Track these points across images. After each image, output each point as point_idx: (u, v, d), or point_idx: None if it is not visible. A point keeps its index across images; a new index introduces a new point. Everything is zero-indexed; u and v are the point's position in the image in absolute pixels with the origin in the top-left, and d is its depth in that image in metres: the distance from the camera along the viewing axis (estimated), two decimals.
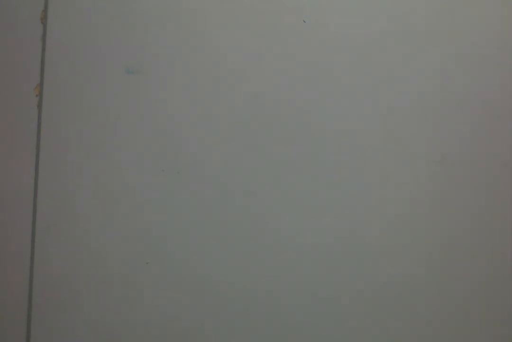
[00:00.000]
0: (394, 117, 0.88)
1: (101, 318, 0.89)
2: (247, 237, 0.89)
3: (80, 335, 0.90)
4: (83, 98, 0.90)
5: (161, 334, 0.89)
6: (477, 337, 0.87)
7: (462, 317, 0.88)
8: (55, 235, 0.90)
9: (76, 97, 0.90)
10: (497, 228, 0.88)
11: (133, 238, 0.89)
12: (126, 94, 0.89)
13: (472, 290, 0.88)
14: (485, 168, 0.88)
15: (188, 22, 0.89)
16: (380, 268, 0.88)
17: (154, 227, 0.89)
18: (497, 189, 0.88)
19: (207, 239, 0.89)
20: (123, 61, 0.89)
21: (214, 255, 0.89)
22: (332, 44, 0.89)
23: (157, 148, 0.89)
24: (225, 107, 0.89)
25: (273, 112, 0.89)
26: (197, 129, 0.89)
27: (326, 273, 0.88)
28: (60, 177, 0.90)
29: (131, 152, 0.89)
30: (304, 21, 0.88)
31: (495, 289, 0.88)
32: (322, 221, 0.88)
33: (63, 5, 0.89)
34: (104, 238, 0.89)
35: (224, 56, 0.89)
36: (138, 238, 0.89)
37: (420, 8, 0.89)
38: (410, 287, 0.88)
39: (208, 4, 0.89)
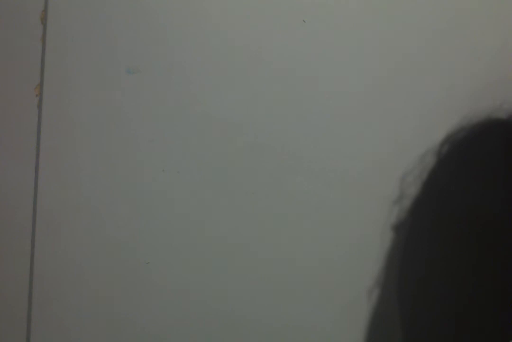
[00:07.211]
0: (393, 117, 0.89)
1: (101, 318, 0.89)
2: (248, 235, 0.89)
3: (80, 335, 0.90)
4: (83, 99, 0.90)
5: (161, 334, 0.89)
6: None
7: None
8: (55, 235, 0.90)
9: (76, 98, 0.90)
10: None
11: (133, 238, 0.89)
12: (126, 94, 0.89)
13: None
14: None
15: (189, 22, 0.89)
16: None
17: (154, 227, 0.89)
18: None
19: (207, 239, 0.89)
20: (123, 61, 0.89)
21: (214, 255, 0.89)
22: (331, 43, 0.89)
23: (157, 148, 0.89)
24: (225, 107, 0.89)
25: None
26: (197, 129, 0.89)
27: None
28: (60, 177, 0.90)
29: (131, 153, 0.89)
30: (304, 21, 0.88)
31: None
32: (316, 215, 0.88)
33: (63, 5, 0.89)
34: (104, 238, 0.89)
35: (224, 56, 0.89)
36: (138, 237, 0.89)
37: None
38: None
39: (208, 1, 0.89)
